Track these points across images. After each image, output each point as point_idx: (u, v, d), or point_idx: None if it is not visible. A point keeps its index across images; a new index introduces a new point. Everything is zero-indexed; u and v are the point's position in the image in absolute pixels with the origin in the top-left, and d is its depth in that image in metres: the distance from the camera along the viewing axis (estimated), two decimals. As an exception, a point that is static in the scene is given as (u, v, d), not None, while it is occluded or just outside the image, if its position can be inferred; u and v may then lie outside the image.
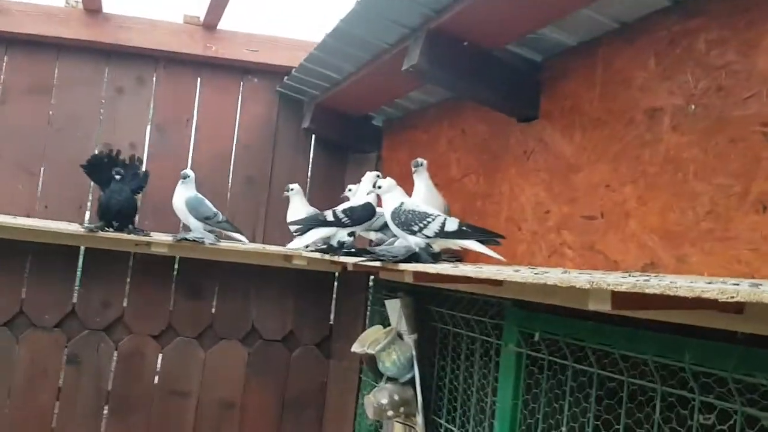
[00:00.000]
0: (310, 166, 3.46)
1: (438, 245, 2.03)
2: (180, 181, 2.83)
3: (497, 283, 1.93)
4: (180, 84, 3.25)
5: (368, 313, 3.33)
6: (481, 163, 2.37)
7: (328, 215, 2.48)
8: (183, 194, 2.82)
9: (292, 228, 2.79)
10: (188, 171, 2.87)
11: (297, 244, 2.46)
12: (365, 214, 2.55)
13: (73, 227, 2.70)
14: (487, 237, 1.94)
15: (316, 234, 2.46)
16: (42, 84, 3.07)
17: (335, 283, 3.43)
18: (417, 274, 1.89)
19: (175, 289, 3.18)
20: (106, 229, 2.71)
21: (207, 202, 2.88)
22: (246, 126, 3.34)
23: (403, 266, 1.91)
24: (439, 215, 2.03)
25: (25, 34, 2.97)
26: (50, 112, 3.08)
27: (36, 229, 2.61)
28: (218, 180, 3.24)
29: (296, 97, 3.36)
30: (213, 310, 3.23)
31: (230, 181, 3.30)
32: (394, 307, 2.75)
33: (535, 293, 1.80)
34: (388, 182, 2.17)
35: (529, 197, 2.07)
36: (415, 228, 2.00)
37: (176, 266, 3.20)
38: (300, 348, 3.31)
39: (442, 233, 1.97)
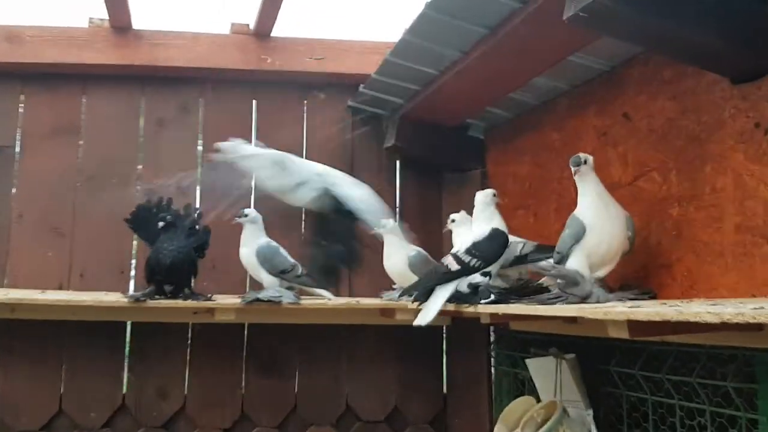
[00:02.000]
0: (397, 194, 2.87)
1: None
2: (244, 225, 2.28)
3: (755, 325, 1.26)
4: (233, 108, 2.73)
5: (493, 377, 2.66)
6: (670, 154, 1.72)
7: (451, 263, 1.86)
8: (252, 242, 2.28)
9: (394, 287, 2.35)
10: (249, 210, 2.32)
11: (427, 318, 1.82)
12: (497, 245, 1.95)
13: (113, 297, 2.16)
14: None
15: (444, 294, 1.84)
16: (67, 123, 2.59)
17: (444, 341, 2.78)
18: (637, 327, 1.24)
19: (247, 366, 2.59)
20: (157, 296, 2.16)
21: (282, 251, 2.32)
22: (316, 153, 2.77)
23: (615, 312, 1.26)
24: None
25: (43, 64, 2.51)
26: (79, 157, 2.60)
27: (64, 305, 2.08)
28: (288, 222, 2.67)
29: (373, 112, 2.81)
30: (296, 389, 2.62)
31: (303, 222, 2.73)
32: (544, 368, 2.10)
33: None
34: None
35: (781, 190, 1.40)
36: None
37: (246, 336, 2.61)
38: (409, 428, 2.67)
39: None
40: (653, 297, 1.70)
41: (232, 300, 2.22)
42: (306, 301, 2.22)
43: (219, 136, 2.67)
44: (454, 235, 2.40)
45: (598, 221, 1.67)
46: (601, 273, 1.75)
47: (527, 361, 2.21)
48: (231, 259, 2.46)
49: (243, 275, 2.57)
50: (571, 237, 1.73)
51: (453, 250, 1.93)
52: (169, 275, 2.18)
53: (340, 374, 2.65)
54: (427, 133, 2.71)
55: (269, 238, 2.34)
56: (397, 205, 2.86)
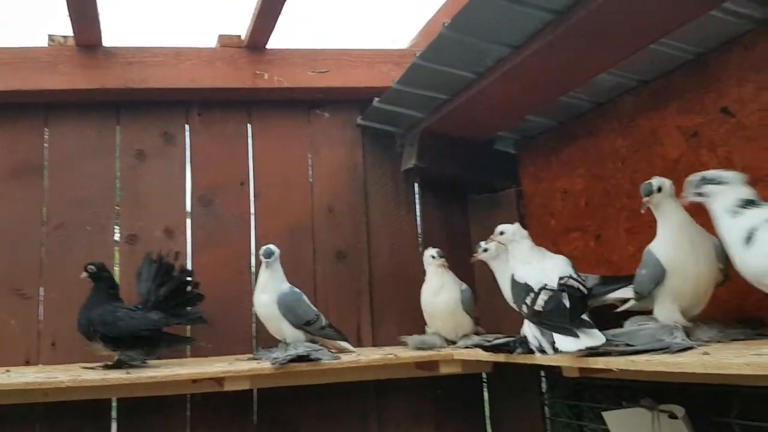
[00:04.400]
0: (419, 222, 2.50)
1: None
2: (263, 264, 1.91)
3: None
4: (225, 134, 2.36)
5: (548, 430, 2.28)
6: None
7: (579, 286, 1.55)
8: (272, 288, 1.91)
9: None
10: (272, 247, 1.94)
11: (578, 344, 1.39)
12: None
13: (95, 374, 1.73)
14: None
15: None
16: (27, 162, 2.18)
17: (485, 391, 2.41)
18: None
19: (259, 438, 2.18)
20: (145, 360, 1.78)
21: (306, 298, 1.95)
22: (323, 181, 2.43)
23: None
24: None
25: (-3, 92, 2.10)
26: (44, 202, 2.18)
27: (35, 388, 1.65)
28: (298, 263, 2.29)
29: (385, 130, 2.46)
30: (319, 460, 2.21)
31: (314, 262, 2.34)
32: (632, 423, 1.76)
33: None
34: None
35: None
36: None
37: (255, 403, 2.19)
38: (454, 496, 2.28)
39: None
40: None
41: (247, 364, 1.82)
42: (345, 357, 1.84)
43: (210, 167, 2.31)
44: (493, 266, 2.06)
45: (680, 261, 1.46)
46: (696, 311, 1.51)
47: (606, 414, 1.85)
48: (231, 311, 2.15)
49: (247, 331, 2.19)
50: (650, 280, 1.52)
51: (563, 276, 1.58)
52: (91, 338, 1.82)
53: (369, 439, 2.26)
54: (452, 150, 2.37)
55: (290, 284, 1.96)
56: (419, 233, 2.49)
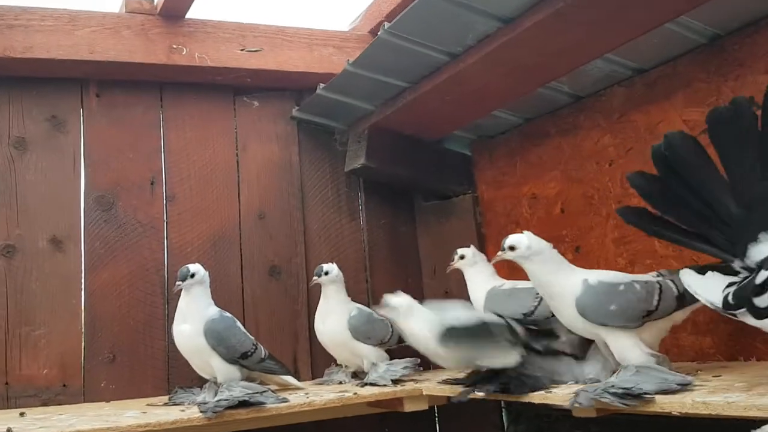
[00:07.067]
0: (364, 232, 2.21)
1: None
2: (184, 287, 1.52)
3: None
4: (130, 120, 1.96)
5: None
6: None
7: None
8: (198, 315, 1.51)
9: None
10: (196, 267, 1.56)
11: None
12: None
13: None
14: None
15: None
16: None
17: (437, 424, 2.15)
18: None
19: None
20: None
21: (239, 324, 1.58)
22: (252, 182, 2.09)
23: None
24: None
25: None
26: None
27: None
28: (222, 281, 1.92)
29: (324, 124, 2.16)
30: None
31: (242, 279, 1.99)
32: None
33: None
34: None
35: None
36: None
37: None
38: None
39: None
40: None
41: (165, 414, 1.43)
42: (294, 399, 1.49)
43: (111, 162, 1.90)
44: (466, 277, 1.81)
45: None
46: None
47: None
48: (139, 342, 1.80)
49: (160, 367, 1.81)
50: None
51: None
52: None
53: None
54: (403, 149, 2.11)
55: (221, 309, 1.59)
56: (365, 244, 2.20)
